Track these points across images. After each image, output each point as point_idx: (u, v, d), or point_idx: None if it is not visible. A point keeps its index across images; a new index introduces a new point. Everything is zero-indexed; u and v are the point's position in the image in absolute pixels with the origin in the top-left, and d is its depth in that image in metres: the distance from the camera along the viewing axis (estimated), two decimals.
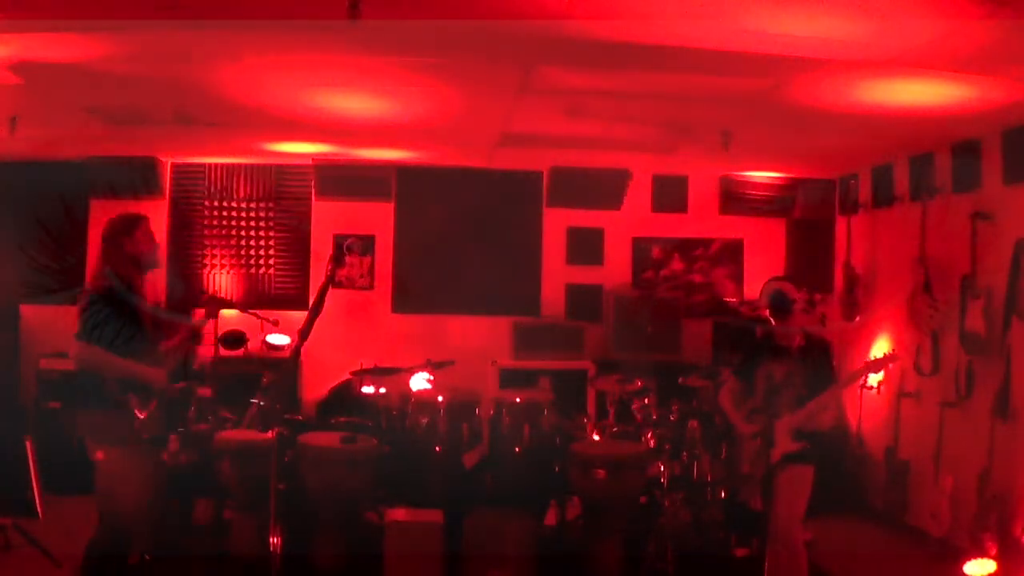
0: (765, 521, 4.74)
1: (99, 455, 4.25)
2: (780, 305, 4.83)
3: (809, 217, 8.40)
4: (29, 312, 7.67)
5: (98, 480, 4.32)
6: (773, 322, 4.88)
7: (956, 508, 5.99)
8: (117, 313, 4.23)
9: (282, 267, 8.26)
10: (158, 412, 4.37)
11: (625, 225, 8.44)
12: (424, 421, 6.18)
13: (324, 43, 4.33)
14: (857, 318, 7.59)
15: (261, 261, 8.25)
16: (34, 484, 6.28)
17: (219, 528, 5.66)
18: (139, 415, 4.22)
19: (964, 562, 5.26)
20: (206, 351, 7.47)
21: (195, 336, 4.75)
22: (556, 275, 8.42)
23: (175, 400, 6.02)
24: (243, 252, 8.22)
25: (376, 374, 6.53)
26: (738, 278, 8.54)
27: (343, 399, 7.18)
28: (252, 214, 8.23)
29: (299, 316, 5.53)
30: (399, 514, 5.46)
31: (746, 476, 4.98)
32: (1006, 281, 5.68)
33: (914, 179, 6.82)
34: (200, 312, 5.37)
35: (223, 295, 7.97)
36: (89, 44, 4.36)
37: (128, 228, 4.46)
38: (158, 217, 8.17)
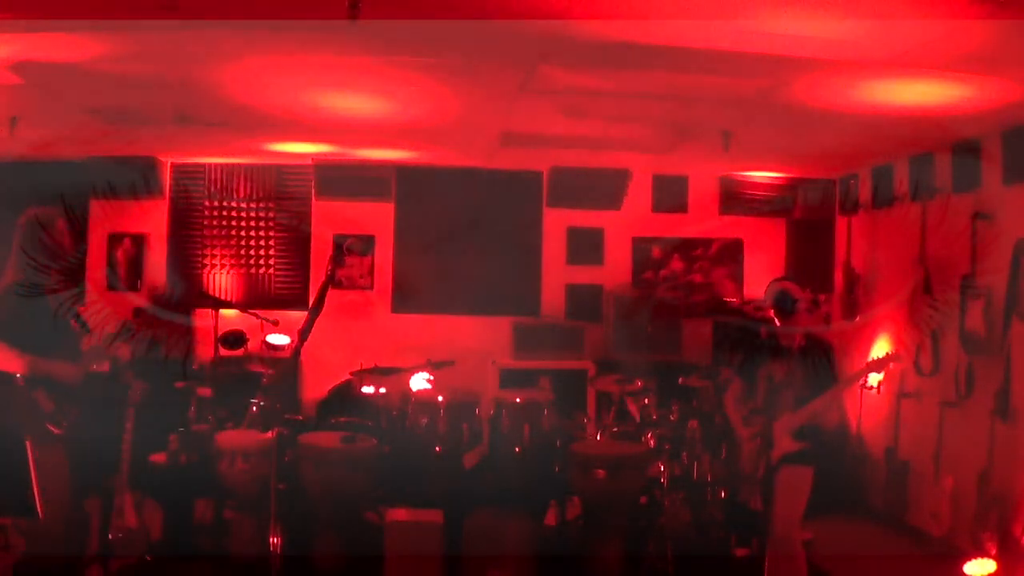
0: (765, 521, 4.74)
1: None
2: (784, 306, 4.84)
3: (809, 217, 8.39)
4: None
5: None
6: (777, 322, 4.89)
7: (956, 508, 5.99)
8: (27, 308, 4.24)
9: (282, 267, 8.26)
10: (74, 408, 4.34)
11: (625, 225, 8.44)
12: (424, 421, 6.18)
13: (324, 43, 4.33)
14: (857, 318, 7.59)
15: (261, 261, 8.25)
16: (34, 484, 6.27)
17: (219, 528, 5.66)
18: (46, 409, 4.22)
19: (964, 562, 5.26)
20: (206, 351, 7.48)
21: (117, 335, 4.79)
22: (556, 275, 8.42)
23: (172, 400, 6.03)
24: (243, 252, 8.23)
25: (376, 374, 6.53)
26: (738, 278, 8.54)
27: (343, 399, 7.18)
28: (252, 214, 8.23)
29: (299, 316, 5.55)
30: (399, 514, 5.46)
31: (747, 476, 4.99)
32: (1006, 281, 5.68)
33: (914, 179, 6.82)
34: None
35: (221, 295, 7.98)
36: (89, 44, 4.36)
37: (47, 223, 4.48)
38: (158, 217, 8.19)
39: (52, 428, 4.26)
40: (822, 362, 4.84)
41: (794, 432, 4.68)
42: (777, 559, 4.65)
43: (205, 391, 6.31)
